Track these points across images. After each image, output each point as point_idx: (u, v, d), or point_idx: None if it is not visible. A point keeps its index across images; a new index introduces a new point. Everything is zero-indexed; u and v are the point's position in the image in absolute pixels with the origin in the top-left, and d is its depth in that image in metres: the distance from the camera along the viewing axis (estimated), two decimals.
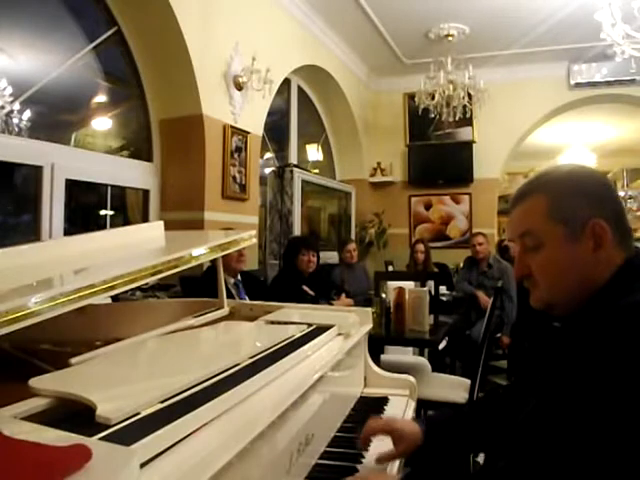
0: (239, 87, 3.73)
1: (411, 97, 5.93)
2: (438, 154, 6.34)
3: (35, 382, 0.81)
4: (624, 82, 5.72)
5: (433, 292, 3.40)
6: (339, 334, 1.43)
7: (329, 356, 1.28)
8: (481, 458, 2.24)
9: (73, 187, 3.02)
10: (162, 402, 0.76)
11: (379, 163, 6.54)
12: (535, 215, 0.91)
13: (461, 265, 5.05)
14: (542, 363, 0.99)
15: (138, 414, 0.71)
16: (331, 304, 3.44)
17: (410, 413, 1.52)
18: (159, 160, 3.58)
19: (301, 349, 1.16)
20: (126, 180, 3.40)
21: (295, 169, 4.81)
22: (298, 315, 1.59)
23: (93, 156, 3.18)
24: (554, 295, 0.92)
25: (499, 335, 4.27)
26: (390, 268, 5.89)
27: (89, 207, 3.44)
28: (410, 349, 3.73)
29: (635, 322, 0.75)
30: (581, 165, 0.98)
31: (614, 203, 0.91)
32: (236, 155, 3.76)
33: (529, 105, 6.05)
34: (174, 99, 3.47)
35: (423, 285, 3.59)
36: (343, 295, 3.83)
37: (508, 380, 4.47)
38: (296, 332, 1.31)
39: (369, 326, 1.68)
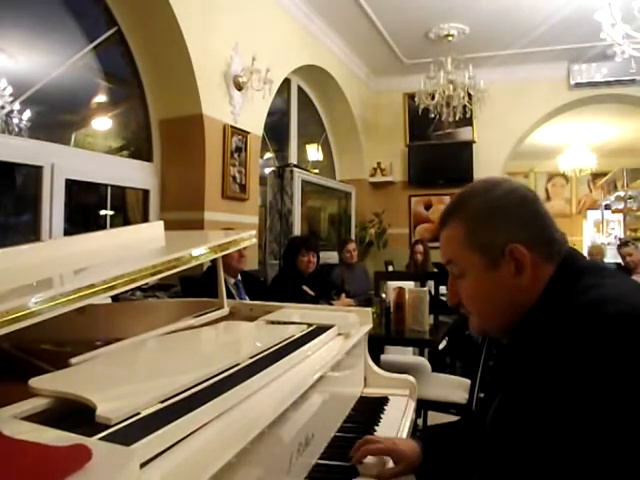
0: (239, 87, 3.72)
1: (411, 97, 5.93)
2: (438, 154, 6.34)
3: (35, 382, 0.81)
4: (624, 82, 5.72)
5: (433, 292, 3.40)
6: (339, 334, 1.43)
7: (329, 356, 1.28)
8: None
9: (73, 187, 3.02)
10: (162, 402, 0.76)
11: (379, 163, 6.54)
12: (454, 244, 0.90)
13: None
14: (499, 373, 0.99)
15: (138, 414, 0.71)
16: (331, 304, 3.44)
17: (410, 413, 1.52)
18: (159, 160, 3.58)
19: (301, 349, 1.16)
20: (126, 180, 3.39)
21: (295, 169, 4.81)
22: (298, 315, 1.59)
23: (93, 156, 3.18)
24: (485, 321, 0.91)
25: None
26: (390, 268, 5.89)
27: (89, 207, 3.43)
28: (410, 349, 3.73)
29: (590, 324, 0.73)
30: (498, 182, 0.92)
31: (534, 221, 0.86)
32: (236, 155, 3.76)
33: (529, 105, 6.05)
34: (174, 99, 3.47)
35: (423, 285, 3.59)
36: (343, 295, 3.83)
37: None
38: (296, 332, 1.31)
39: (369, 326, 1.68)
